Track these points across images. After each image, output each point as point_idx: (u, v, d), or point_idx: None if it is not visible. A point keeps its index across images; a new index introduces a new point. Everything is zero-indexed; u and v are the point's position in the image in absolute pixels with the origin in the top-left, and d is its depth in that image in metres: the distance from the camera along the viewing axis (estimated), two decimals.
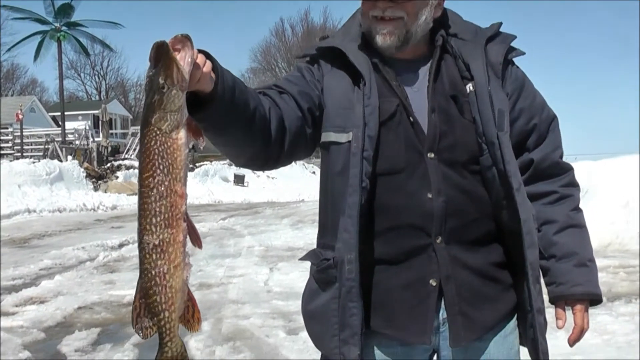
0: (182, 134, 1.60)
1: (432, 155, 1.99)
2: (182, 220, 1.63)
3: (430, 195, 1.98)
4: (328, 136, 2.06)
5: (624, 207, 12.21)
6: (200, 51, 1.70)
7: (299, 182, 35.21)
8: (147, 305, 1.65)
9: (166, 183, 1.59)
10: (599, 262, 7.52)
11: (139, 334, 1.68)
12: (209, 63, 1.70)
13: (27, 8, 44.58)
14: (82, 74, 77.44)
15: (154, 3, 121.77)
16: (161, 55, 1.56)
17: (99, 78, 78.60)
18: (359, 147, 1.96)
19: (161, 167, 1.58)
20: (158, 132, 1.58)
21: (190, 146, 1.67)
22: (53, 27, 44.53)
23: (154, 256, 1.61)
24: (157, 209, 1.59)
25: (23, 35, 46.27)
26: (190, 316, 1.72)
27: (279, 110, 1.99)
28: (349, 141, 1.99)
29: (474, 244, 2.03)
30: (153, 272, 1.62)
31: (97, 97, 75.02)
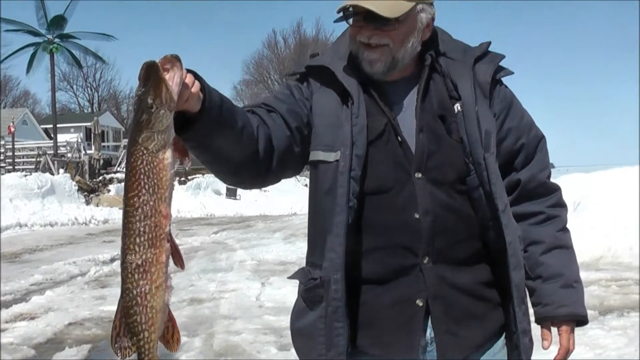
0: (168, 154, 1.60)
1: (420, 174, 1.99)
2: (166, 241, 1.62)
3: (417, 215, 1.97)
4: (316, 155, 2.05)
5: (616, 219, 12.22)
6: (188, 71, 1.70)
7: (291, 195, 35.14)
8: (127, 324, 1.64)
9: (151, 203, 1.59)
10: (592, 275, 7.58)
11: (117, 354, 1.67)
12: (197, 83, 1.70)
13: (19, 20, 44.39)
14: (74, 86, 77.51)
15: (147, 15, 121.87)
16: (151, 74, 1.56)
17: (91, 90, 78.67)
18: (347, 166, 1.96)
19: (147, 186, 1.58)
20: (145, 152, 1.58)
21: (176, 166, 1.66)
22: (46, 39, 44.46)
23: (136, 276, 1.61)
24: (142, 229, 1.59)
25: (15, 47, 46.10)
26: (170, 336, 1.71)
27: (267, 128, 1.99)
28: (337, 160, 1.98)
29: (462, 264, 2.03)
30: (135, 292, 1.61)
31: (90, 109, 74.98)
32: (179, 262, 1.69)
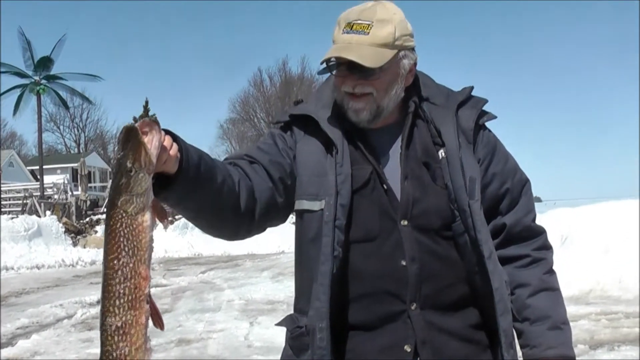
0: (147, 217, 1.62)
1: (406, 222, 1.99)
2: (145, 302, 1.62)
3: (404, 263, 1.97)
4: (301, 204, 2.06)
5: (605, 253, 12.27)
6: (166, 132, 1.73)
7: (279, 233, 34.87)
8: None
9: (130, 265, 1.59)
10: (581, 309, 7.58)
11: None
12: (175, 145, 1.74)
13: (6, 62, 44.57)
14: (61, 127, 77.29)
15: (134, 56, 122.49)
16: (130, 138, 1.58)
17: (78, 130, 78.48)
18: (331, 215, 1.96)
19: (126, 249, 1.59)
20: (124, 215, 1.59)
21: (155, 228, 1.68)
22: (33, 80, 44.62)
23: (115, 338, 1.60)
24: (121, 291, 1.59)
25: (2, 89, 46.11)
26: None
27: (249, 181, 2.00)
28: (322, 209, 1.99)
29: (449, 308, 2.01)
30: (114, 355, 1.60)
31: (76, 150, 74.83)
32: (159, 323, 1.68)
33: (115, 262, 1.59)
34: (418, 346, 1.96)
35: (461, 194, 1.98)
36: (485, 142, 2.12)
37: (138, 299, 1.60)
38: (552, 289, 2.10)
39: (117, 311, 1.59)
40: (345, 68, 2.00)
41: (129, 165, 1.58)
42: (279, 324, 2.15)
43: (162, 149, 1.66)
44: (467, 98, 2.13)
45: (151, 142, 1.60)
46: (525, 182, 2.17)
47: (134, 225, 1.59)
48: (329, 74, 2.08)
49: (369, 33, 1.99)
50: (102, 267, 1.62)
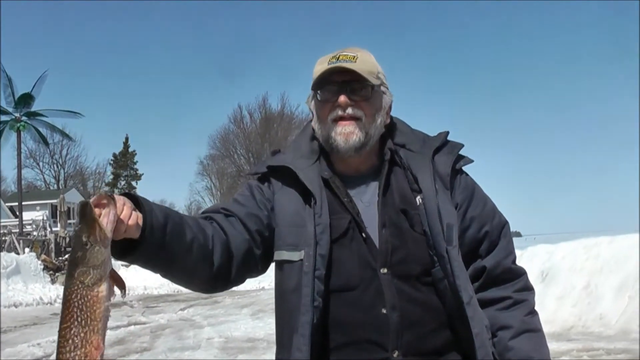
0: (103, 287, 1.65)
1: (385, 270, 1.99)
2: None
3: (384, 311, 1.96)
4: (281, 254, 2.06)
5: (585, 288, 12.28)
6: (128, 196, 1.79)
7: None
8: None
9: (82, 335, 1.62)
10: (563, 346, 7.57)
11: None
12: (134, 215, 1.77)
13: None
14: (40, 163, 76.84)
15: (114, 91, 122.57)
16: (85, 214, 1.64)
17: (57, 167, 78.08)
18: (311, 265, 1.96)
19: (79, 319, 1.63)
20: (80, 286, 1.63)
21: (113, 298, 1.71)
22: (13, 117, 44.49)
23: None
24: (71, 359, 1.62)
25: None
26: None
27: (223, 236, 2.02)
28: (302, 259, 1.99)
29: (432, 355, 2.00)
30: None
31: (56, 186, 74.43)
32: None
33: (66, 331, 1.62)
34: None
35: (439, 240, 1.98)
36: (463, 186, 2.14)
37: None
38: (535, 330, 2.09)
39: None
40: (337, 90, 2.05)
41: (84, 239, 1.62)
42: None
43: (119, 221, 1.70)
44: (443, 143, 2.15)
45: (107, 215, 1.65)
46: (504, 225, 2.18)
47: (89, 297, 1.63)
48: (318, 99, 2.11)
49: (356, 62, 2.04)
50: (57, 335, 1.65)
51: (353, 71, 2.03)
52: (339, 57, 2.06)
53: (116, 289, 1.71)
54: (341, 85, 2.04)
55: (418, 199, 2.04)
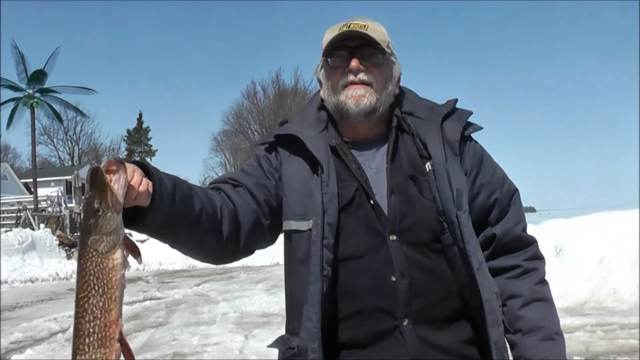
0: (118, 254, 1.63)
1: (394, 237, 1.98)
2: (116, 341, 1.62)
3: (394, 279, 1.96)
4: (289, 224, 2.07)
5: (599, 263, 12.26)
6: (138, 164, 1.77)
7: (273, 245, 34.95)
8: None
9: (100, 304, 1.60)
10: (577, 321, 7.56)
11: None
12: (145, 181, 1.75)
13: None
14: (55, 140, 77.42)
15: (128, 68, 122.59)
16: (95, 179, 1.61)
17: (71, 143, 78.58)
18: (319, 235, 1.96)
19: (96, 287, 1.60)
20: (94, 253, 1.61)
21: (128, 267, 1.68)
22: (26, 93, 44.51)
23: None
24: (91, 329, 1.59)
25: None
26: None
27: (231, 205, 2.03)
28: (310, 229, 1.99)
29: (442, 323, 2.00)
30: None
31: (70, 163, 74.85)
32: None
33: (85, 300, 1.60)
34: None
35: (449, 205, 1.97)
36: (472, 153, 2.13)
37: (108, 337, 1.60)
38: (544, 299, 2.09)
39: (86, 349, 1.59)
40: (347, 55, 2.05)
41: (96, 205, 1.60)
42: (271, 346, 2.13)
43: (130, 187, 1.69)
44: (451, 110, 2.15)
45: (117, 181, 1.63)
46: (513, 192, 2.16)
47: (104, 264, 1.60)
48: (328, 65, 2.11)
49: (367, 30, 2.05)
50: (74, 305, 1.62)
51: (365, 37, 2.03)
52: (349, 25, 2.06)
53: (132, 260, 1.69)
54: (353, 50, 2.05)
55: (427, 165, 2.03)
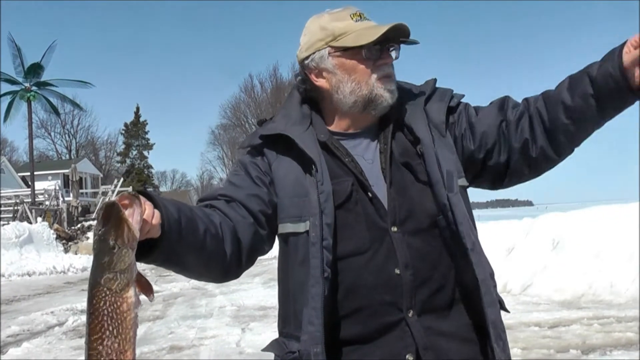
0: (131, 292, 1.56)
1: (396, 228, 1.96)
2: None
3: (398, 271, 1.93)
4: (285, 227, 2.02)
5: (596, 257, 12.28)
6: (140, 193, 1.69)
7: None
8: None
9: (115, 345, 1.54)
10: (573, 314, 7.56)
11: None
12: (157, 213, 1.70)
13: None
14: (52, 133, 77.34)
15: (124, 62, 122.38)
16: (111, 215, 1.54)
17: (69, 137, 78.52)
18: (318, 236, 1.92)
19: (110, 328, 1.53)
20: (108, 293, 1.53)
21: (140, 306, 1.61)
22: (23, 87, 44.48)
23: None
24: None
25: None
26: None
27: (230, 222, 1.98)
28: (307, 230, 1.95)
29: (445, 310, 1.99)
30: None
31: (68, 156, 74.76)
32: None
33: (98, 342, 1.53)
34: (420, 353, 1.93)
35: (439, 188, 1.96)
36: (457, 117, 2.11)
37: None
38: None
39: None
40: (379, 48, 2.03)
41: (111, 242, 1.53)
42: (265, 350, 2.10)
43: (144, 221, 1.63)
44: (432, 91, 2.13)
45: (132, 215, 1.57)
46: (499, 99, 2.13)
47: (119, 303, 1.54)
48: (363, 56, 2.03)
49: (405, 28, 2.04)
50: (85, 347, 1.56)
51: (407, 34, 2.02)
52: (360, 15, 2.05)
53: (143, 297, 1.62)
54: (394, 44, 2.04)
55: (418, 148, 2.02)
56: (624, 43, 1.83)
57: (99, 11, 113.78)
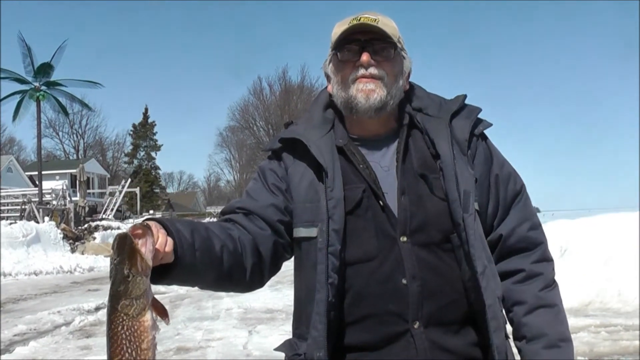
0: (148, 316, 1.64)
1: (405, 238, 1.95)
2: None
3: (405, 281, 1.93)
4: (298, 232, 2.04)
5: (604, 265, 12.25)
6: (154, 220, 1.76)
7: None
8: None
9: None
10: (581, 321, 7.53)
11: None
12: (170, 241, 1.75)
13: (5, 67, 44.45)
14: (60, 133, 77.68)
15: (133, 63, 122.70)
16: (124, 246, 1.61)
17: (77, 137, 78.84)
18: (324, 242, 1.94)
19: (129, 350, 1.61)
20: (125, 318, 1.61)
21: (158, 329, 1.68)
22: (32, 86, 44.55)
23: None
24: None
25: (2, 95, 46.01)
26: None
27: (249, 236, 2.02)
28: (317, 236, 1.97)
29: (452, 325, 1.97)
30: None
31: (75, 156, 75.00)
32: None
33: None
34: None
35: (456, 207, 1.95)
36: (480, 150, 2.09)
37: None
38: (549, 305, 2.04)
39: None
40: (358, 49, 2.02)
41: (125, 272, 1.60)
42: (277, 349, 2.12)
43: (157, 249, 1.69)
44: (460, 107, 2.11)
45: (145, 245, 1.64)
46: (519, 190, 2.13)
47: (136, 327, 1.61)
48: (338, 59, 2.07)
49: (378, 23, 2.01)
50: None
51: (376, 30, 2.00)
52: (360, 18, 2.02)
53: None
54: (364, 43, 2.01)
55: (438, 163, 2.00)
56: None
57: (110, 11, 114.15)
